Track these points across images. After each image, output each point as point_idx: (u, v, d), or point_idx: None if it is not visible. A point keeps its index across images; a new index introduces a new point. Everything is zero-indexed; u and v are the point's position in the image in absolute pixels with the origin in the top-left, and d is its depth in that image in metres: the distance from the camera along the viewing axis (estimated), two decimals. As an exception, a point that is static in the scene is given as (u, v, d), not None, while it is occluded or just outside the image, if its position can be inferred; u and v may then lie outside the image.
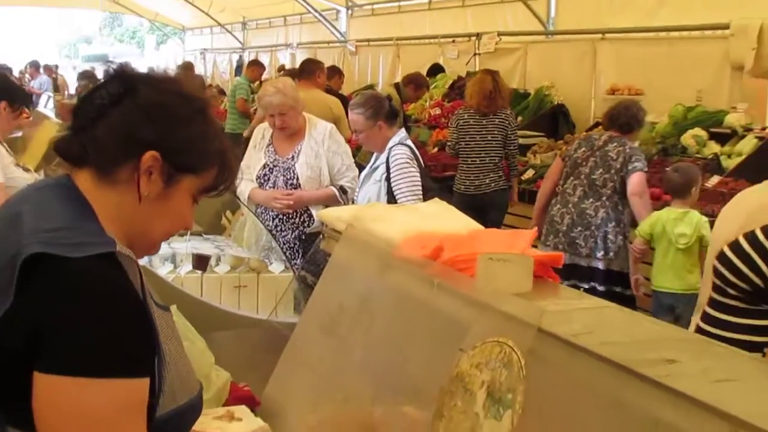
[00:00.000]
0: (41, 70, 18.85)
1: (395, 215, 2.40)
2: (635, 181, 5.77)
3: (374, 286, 2.19)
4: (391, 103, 5.09)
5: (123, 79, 1.66)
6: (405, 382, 1.96)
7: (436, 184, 5.25)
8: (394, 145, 4.80)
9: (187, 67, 14.47)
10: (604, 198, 5.87)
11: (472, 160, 7.42)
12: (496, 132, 7.40)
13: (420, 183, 4.75)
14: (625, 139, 5.97)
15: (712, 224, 5.88)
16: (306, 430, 2.15)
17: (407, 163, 4.75)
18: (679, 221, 5.43)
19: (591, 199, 5.90)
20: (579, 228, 5.91)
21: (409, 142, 4.89)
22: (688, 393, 1.34)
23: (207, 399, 2.21)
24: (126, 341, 1.50)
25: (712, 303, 2.73)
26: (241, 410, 2.22)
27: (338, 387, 2.18)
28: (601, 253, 5.90)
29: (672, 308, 5.39)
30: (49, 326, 1.45)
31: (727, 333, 2.49)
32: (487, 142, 7.38)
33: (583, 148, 6.07)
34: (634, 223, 5.94)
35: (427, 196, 4.67)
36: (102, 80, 1.70)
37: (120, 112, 1.62)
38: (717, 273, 2.67)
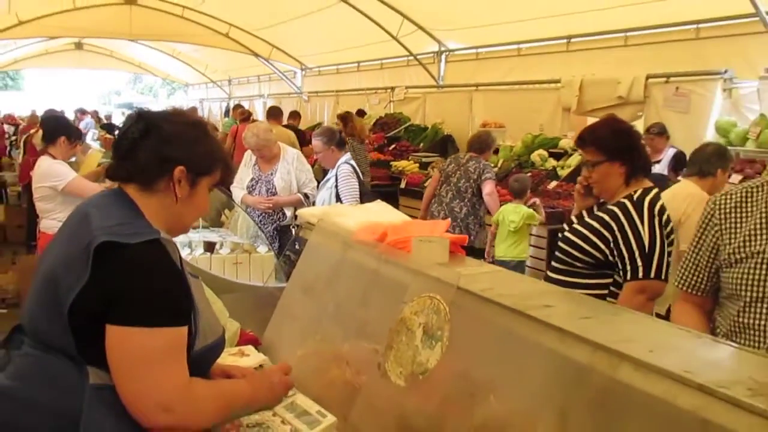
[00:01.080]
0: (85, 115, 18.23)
1: (352, 212, 2.38)
2: (487, 187, 5.84)
3: (340, 260, 2.17)
4: (341, 134, 5.10)
5: (146, 119, 1.65)
6: (364, 326, 1.94)
7: (370, 190, 5.23)
8: (341, 164, 4.80)
9: (193, 110, 14.16)
10: (466, 200, 5.85)
11: (361, 171, 7.89)
12: (365, 153, 8.27)
13: (358, 190, 4.77)
14: (481, 158, 5.99)
15: (554, 213, 6.05)
16: (294, 360, 2.11)
17: (350, 175, 4.76)
18: (513, 212, 5.60)
19: (457, 200, 5.87)
20: (449, 221, 5.87)
21: (352, 162, 4.89)
22: (562, 327, 1.36)
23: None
24: (171, 300, 1.51)
25: (558, 271, 2.68)
26: (249, 349, 2.17)
27: (316, 330, 2.16)
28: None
29: (509, 270, 5.51)
30: (116, 292, 1.45)
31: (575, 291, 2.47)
32: (365, 159, 8.10)
33: (453, 164, 6.04)
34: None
35: (363, 198, 4.69)
36: (128, 122, 1.67)
37: (151, 143, 1.61)
38: (562, 251, 2.66)
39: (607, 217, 2.56)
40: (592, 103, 7.64)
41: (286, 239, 5.01)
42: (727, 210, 1.96)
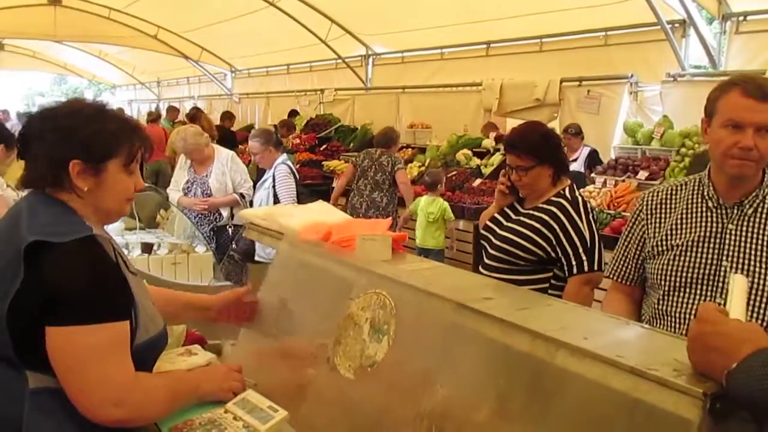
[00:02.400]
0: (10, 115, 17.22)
1: (296, 212, 2.36)
2: (401, 176, 6.14)
3: (298, 263, 2.14)
4: (278, 135, 5.07)
5: (28, 126, 1.56)
6: (312, 322, 1.94)
7: (305, 189, 5.22)
8: (278, 164, 4.76)
9: (120, 111, 13.56)
10: (384, 190, 6.11)
11: None
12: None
13: (295, 190, 4.75)
14: (390, 152, 6.27)
15: (479, 209, 6.16)
16: (244, 357, 2.10)
17: (287, 176, 4.73)
18: (430, 204, 5.91)
19: (377, 192, 6.11)
20: (372, 210, 6.08)
21: (289, 162, 4.88)
22: (502, 317, 1.38)
23: (171, 342, 2.12)
24: (109, 295, 1.47)
25: (496, 269, 2.67)
26: (196, 348, 2.12)
27: (262, 328, 2.13)
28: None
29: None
30: (53, 293, 1.40)
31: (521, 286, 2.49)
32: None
33: (367, 160, 6.24)
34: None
35: (299, 198, 4.68)
36: (23, 128, 1.59)
37: (41, 147, 1.52)
38: (501, 249, 2.68)
39: (546, 217, 2.62)
40: (512, 105, 7.83)
41: (222, 239, 4.94)
42: (654, 206, 2.04)
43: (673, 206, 2.00)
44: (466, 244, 6.45)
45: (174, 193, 5.02)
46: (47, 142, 1.52)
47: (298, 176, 4.96)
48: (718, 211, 1.90)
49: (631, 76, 6.69)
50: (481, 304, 1.48)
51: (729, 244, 1.85)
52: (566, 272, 2.60)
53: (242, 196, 5.04)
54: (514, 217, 2.74)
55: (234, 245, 4.62)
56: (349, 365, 1.68)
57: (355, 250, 1.93)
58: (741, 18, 6.07)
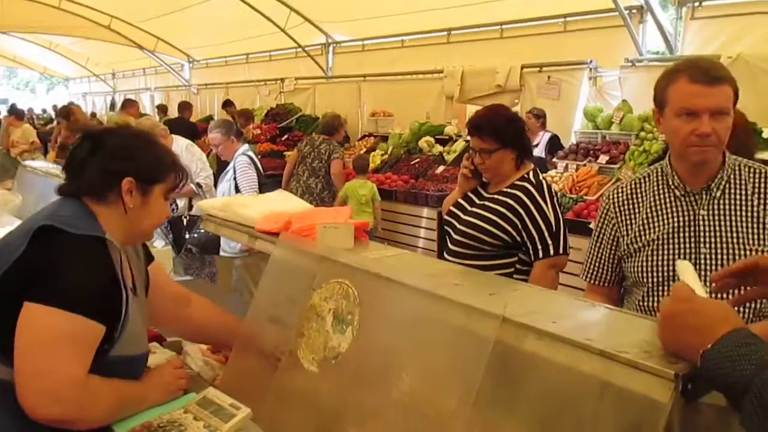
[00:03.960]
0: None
1: (254, 202, 2.29)
2: (334, 166, 6.39)
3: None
4: (238, 125, 4.98)
5: (92, 137, 1.67)
6: (272, 315, 1.88)
7: (268, 180, 5.14)
8: (238, 155, 4.68)
9: (71, 104, 13.12)
10: (320, 177, 6.38)
11: None
12: None
13: (256, 180, 4.68)
14: (332, 140, 6.53)
15: (442, 197, 6.15)
16: (204, 353, 2.03)
17: (247, 166, 4.66)
18: (361, 187, 6.22)
19: (313, 178, 6.37)
20: (307, 195, 6.21)
21: (250, 153, 4.80)
22: (471, 303, 1.36)
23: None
24: (95, 294, 1.49)
25: (461, 255, 2.65)
26: (155, 346, 2.06)
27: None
28: None
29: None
30: (43, 271, 1.45)
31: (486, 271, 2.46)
32: None
33: (308, 146, 6.51)
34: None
35: (261, 188, 4.60)
36: (78, 141, 1.68)
37: (97, 159, 1.62)
38: (466, 234, 2.65)
39: (510, 201, 2.60)
40: (473, 92, 7.82)
41: (176, 231, 4.82)
42: (620, 203, 1.99)
43: (640, 200, 1.95)
44: (430, 232, 6.44)
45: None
46: (107, 155, 1.61)
47: (260, 166, 4.85)
48: (687, 198, 1.86)
49: (591, 61, 6.74)
50: (447, 290, 1.45)
51: (704, 231, 1.82)
52: (532, 256, 2.58)
53: (199, 185, 4.93)
54: (478, 201, 2.71)
55: (187, 236, 4.51)
56: (313, 358, 1.64)
57: (317, 239, 1.88)
58: (696, 3, 6.15)
